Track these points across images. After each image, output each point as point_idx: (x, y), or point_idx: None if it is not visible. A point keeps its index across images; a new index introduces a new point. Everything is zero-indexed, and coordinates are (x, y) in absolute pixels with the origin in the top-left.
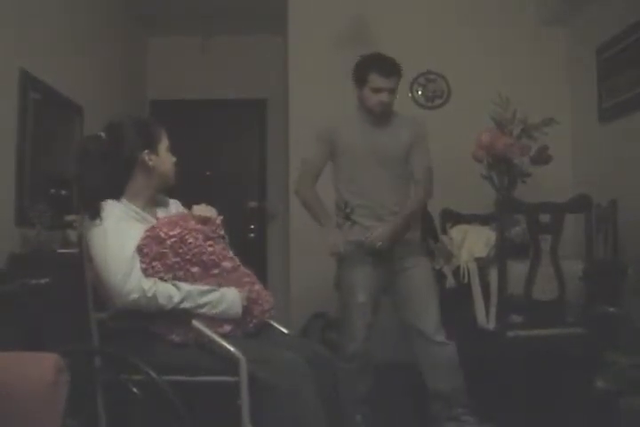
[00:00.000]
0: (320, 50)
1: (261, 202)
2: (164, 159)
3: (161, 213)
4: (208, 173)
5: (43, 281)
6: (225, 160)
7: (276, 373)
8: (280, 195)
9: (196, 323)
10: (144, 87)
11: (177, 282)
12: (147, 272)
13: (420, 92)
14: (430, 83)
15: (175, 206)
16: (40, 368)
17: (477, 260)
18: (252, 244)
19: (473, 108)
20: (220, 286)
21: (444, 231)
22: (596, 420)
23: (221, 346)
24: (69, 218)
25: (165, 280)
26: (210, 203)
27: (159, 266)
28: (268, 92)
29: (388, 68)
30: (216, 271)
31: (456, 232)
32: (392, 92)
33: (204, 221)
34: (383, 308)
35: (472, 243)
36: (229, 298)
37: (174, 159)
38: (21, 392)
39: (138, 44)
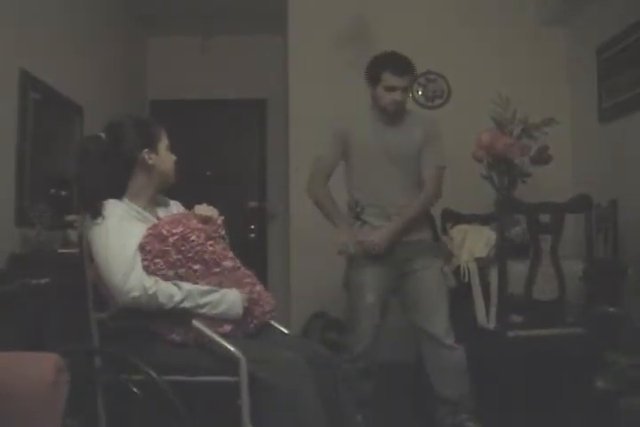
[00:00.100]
0: (320, 50)
1: (261, 202)
2: (164, 158)
3: (162, 212)
4: (208, 173)
5: (43, 281)
6: (225, 160)
7: (276, 373)
8: (280, 195)
9: (196, 323)
10: (144, 87)
11: (178, 282)
12: (149, 269)
13: (420, 92)
14: (430, 83)
15: (176, 207)
16: (40, 368)
17: (477, 260)
18: (252, 244)
19: (473, 108)
20: (221, 284)
21: (445, 231)
22: (596, 420)
23: (221, 346)
24: (70, 218)
25: (168, 277)
26: (210, 203)
27: (161, 263)
28: (267, 92)
29: (402, 66)
30: (217, 270)
31: (456, 232)
32: (405, 90)
33: (206, 220)
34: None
35: (472, 243)
36: (230, 299)
37: (175, 158)
38: (21, 392)
39: (138, 44)
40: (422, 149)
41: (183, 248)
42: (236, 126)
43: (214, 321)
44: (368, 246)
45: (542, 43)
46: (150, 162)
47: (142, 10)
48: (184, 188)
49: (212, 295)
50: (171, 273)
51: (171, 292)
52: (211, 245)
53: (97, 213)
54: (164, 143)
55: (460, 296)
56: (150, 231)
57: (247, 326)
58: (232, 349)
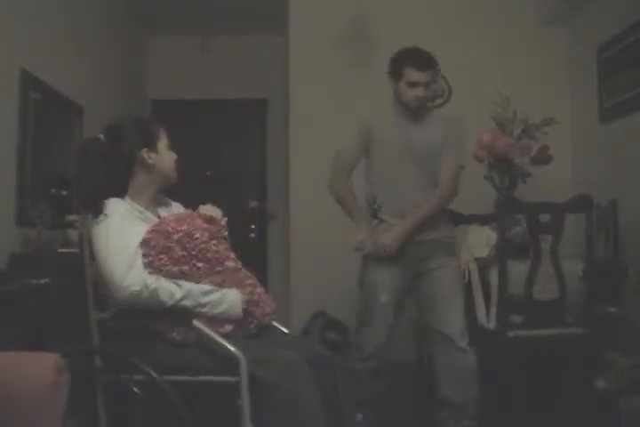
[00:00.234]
0: (320, 50)
1: (262, 202)
2: (163, 157)
3: (163, 212)
4: (208, 173)
5: (43, 281)
6: (225, 160)
7: (276, 373)
8: (280, 195)
9: (196, 323)
10: (144, 87)
11: (178, 281)
12: (153, 265)
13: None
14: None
15: (177, 208)
16: (40, 368)
17: (478, 260)
18: (252, 244)
19: (473, 107)
20: (223, 284)
21: None
22: (597, 420)
23: (222, 346)
24: (70, 218)
25: (172, 273)
26: (212, 203)
27: (165, 259)
28: (268, 92)
29: (425, 61)
30: (220, 269)
31: (457, 232)
32: (428, 86)
33: (210, 220)
34: None
35: (472, 243)
36: (230, 299)
37: (175, 157)
38: (21, 392)
39: (138, 44)
40: (443, 146)
41: (188, 245)
42: (236, 126)
43: (215, 321)
44: (379, 248)
45: (542, 43)
46: (150, 161)
47: (142, 10)
48: (184, 188)
49: (213, 295)
50: (175, 269)
51: (171, 290)
52: (214, 245)
53: (98, 212)
54: (163, 142)
55: None
56: (155, 228)
57: (248, 327)
58: (232, 349)
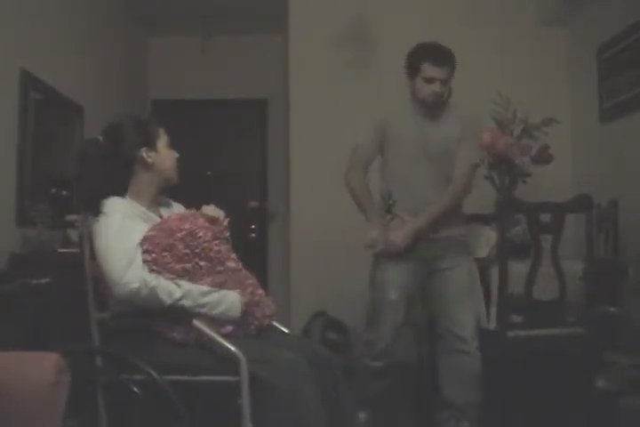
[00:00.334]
0: (320, 50)
1: (262, 202)
2: (163, 156)
3: (165, 212)
4: (209, 173)
5: (43, 281)
6: (225, 160)
7: (276, 373)
8: (281, 195)
9: (196, 322)
10: (145, 87)
11: (178, 281)
12: (157, 262)
13: None
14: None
15: (178, 209)
16: (40, 368)
17: (478, 260)
18: (252, 244)
19: (474, 107)
20: (224, 284)
21: None
22: (597, 420)
23: (222, 346)
24: (70, 218)
25: (174, 271)
26: (213, 204)
27: (169, 256)
28: (268, 92)
29: (441, 57)
30: (221, 269)
31: None
32: (445, 82)
33: (213, 220)
34: None
35: (472, 243)
36: (229, 300)
37: (177, 155)
38: (21, 392)
39: (138, 44)
40: (459, 144)
41: (191, 244)
42: (236, 126)
43: (215, 322)
44: (388, 246)
45: (542, 43)
46: (149, 160)
47: (142, 10)
48: (184, 188)
49: (212, 296)
50: (178, 267)
51: (170, 289)
52: (216, 245)
53: (98, 212)
54: (162, 141)
55: None
56: (158, 226)
57: (248, 328)
58: (232, 348)
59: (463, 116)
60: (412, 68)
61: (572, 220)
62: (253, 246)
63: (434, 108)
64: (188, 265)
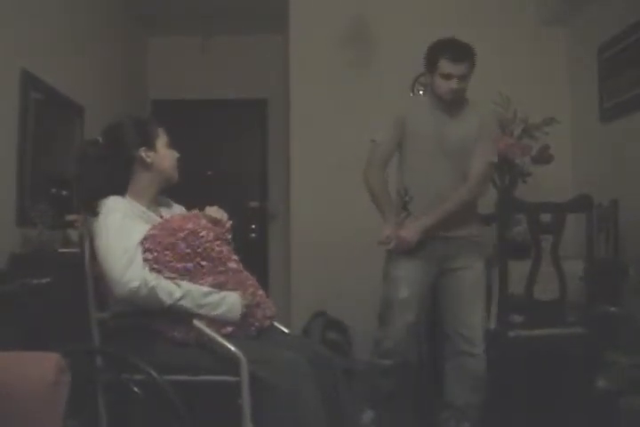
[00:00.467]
0: (321, 50)
1: (262, 202)
2: (163, 156)
3: (165, 212)
4: (209, 173)
5: (44, 281)
6: (226, 160)
7: (276, 373)
8: (281, 195)
9: (197, 322)
10: (145, 87)
11: (178, 281)
12: (158, 260)
13: (421, 92)
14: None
15: (179, 209)
16: (41, 368)
17: None
18: (252, 244)
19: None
20: (226, 283)
21: None
22: (597, 420)
23: (222, 346)
24: (70, 217)
25: (176, 270)
26: (211, 203)
27: (170, 255)
28: (268, 92)
29: (459, 53)
30: (223, 269)
31: None
32: (463, 78)
33: (215, 222)
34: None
35: None
36: (230, 301)
37: (177, 155)
38: (22, 392)
39: (138, 44)
40: (476, 142)
41: (193, 243)
42: (236, 126)
43: (216, 322)
44: (398, 242)
45: (542, 43)
46: (148, 160)
47: (142, 10)
48: (185, 188)
49: (212, 297)
50: (179, 266)
51: (170, 289)
52: (218, 245)
53: (97, 212)
54: (162, 141)
55: None
56: (161, 225)
57: (248, 328)
58: (233, 348)
59: (481, 113)
60: (431, 64)
61: (573, 220)
62: (253, 246)
63: (452, 104)
64: (190, 264)
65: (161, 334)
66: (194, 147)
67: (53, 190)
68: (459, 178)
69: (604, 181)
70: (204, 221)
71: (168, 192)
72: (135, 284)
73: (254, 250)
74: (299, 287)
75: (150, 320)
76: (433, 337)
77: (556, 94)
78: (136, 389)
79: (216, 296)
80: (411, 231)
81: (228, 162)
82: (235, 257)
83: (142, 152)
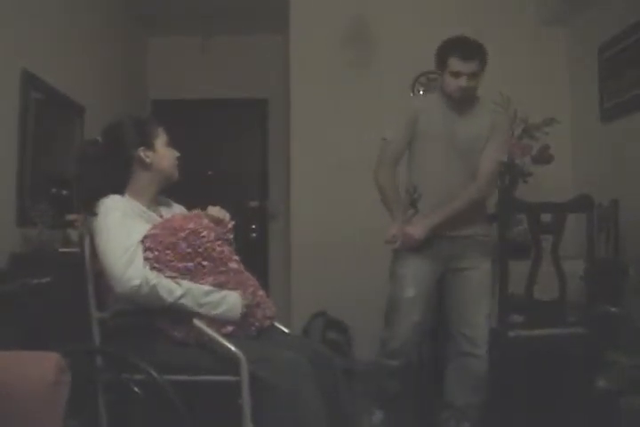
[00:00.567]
0: (321, 50)
1: (262, 202)
2: (162, 155)
3: (165, 212)
4: (209, 173)
5: (44, 281)
6: (226, 160)
7: (276, 372)
8: (281, 195)
9: (197, 322)
10: (145, 87)
11: (179, 280)
12: (159, 259)
13: (421, 92)
14: (431, 82)
15: (179, 209)
16: (41, 368)
17: None
18: (252, 243)
19: None
20: (226, 283)
21: None
22: (597, 420)
23: (222, 345)
24: (70, 217)
25: (176, 269)
26: (211, 203)
27: (172, 254)
28: (268, 92)
29: (468, 51)
30: (224, 269)
31: None
32: (472, 77)
33: (217, 222)
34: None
35: None
36: (230, 301)
37: (177, 154)
38: (22, 392)
39: (138, 44)
40: (486, 141)
41: (194, 243)
42: (236, 126)
43: (216, 321)
44: (404, 240)
45: (542, 43)
46: (147, 160)
47: (142, 10)
48: (185, 188)
49: (213, 296)
50: (180, 265)
51: (171, 287)
52: (219, 245)
53: (95, 212)
54: (161, 140)
55: None
56: (162, 224)
57: (248, 328)
58: (233, 348)
59: (494, 112)
60: (441, 62)
61: (573, 220)
62: (253, 246)
63: (463, 103)
64: (190, 264)
65: (161, 334)
66: (194, 147)
67: (53, 190)
68: (468, 177)
69: (604, 181)
70: (205, 221)
71: (168, 192)
72: (136, 282)
73: (254, 250)
74: (299, 287)
75: (151, 319)
76: (435, 337)
77: (556, 94)
78: (136, 389)
79: (217, 295)
80: (418, 228)
81: (228, 162)
82: (236, 257)
83: (141, 152)
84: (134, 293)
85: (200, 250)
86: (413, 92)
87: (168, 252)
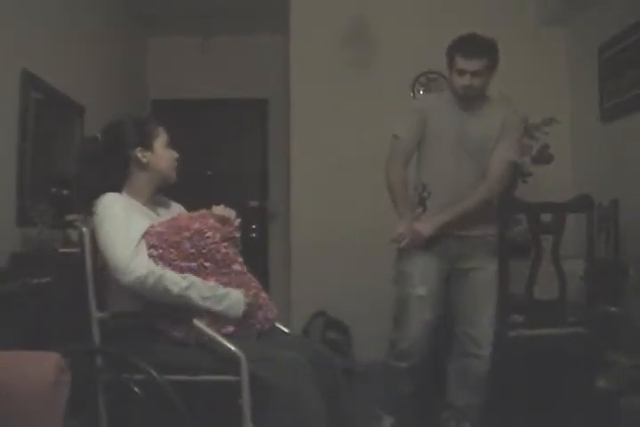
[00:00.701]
0: (321, 50)
1: (262, 202)
2: (160, 156)
3: (162, 212)
4: (209, 173)
5: (44, 280)
6: (226, 160)
7: (277, 372)
8: (281, 195)
9: (197, 322)
10: (145, 87)
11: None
12: (163, 257)
13: (421, 92)
14: (431, 82)
15: (179, 209)
16: (41, 368)
17: None
18: (252, 243)
19: None
20: (228, 284)
21: None
22: (597, 419)
23: (222, 345)
24: (70, 217)
25: (179, 268)
26: (211, 203)
27: (175, 253)
28: (268, 92)
29: (471, 49)
30: (226, 271)
31: None
32: (477, 75)
33: (223, 221)
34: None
35: None
36: (233, 297)
37: (176, 155)
38: (22, 392)
39: (138, 44)
40: (497, 140)
41: (198, 243)
42: (236, 126)
43: (217, 322)
44: (413, 237)
45: (542, 43)
46: (144, 160)
47: (142, 10)
48: (184, 188)
49: (217, 291)
50: (183, 265)
51: (176, 279)
52: (225, 247)
53: (93, 212)
54: (160, 141)
55: None
56: (167, 223)
57: (249, 329)
58: (232, 348)
59: (505, 112)
60: (449, 59)
61: (573, 220)
62: (253, 246)
63: (472, 101)
64: (194, 264)
65: (161, 334)
66: (194, 147)
67: (53, 190)
68: (479, 177)
69: (604, 181)
70: (211, 222)
71: (167, 192)
72: (143, 271)
73: (254, 250)
74: (299, 287)
75: (151, 319)
76: (437, 337)
77: (556, 94)
78: (136, 389)
79: (221, 290)
80: (427, 225)
81: (228, 162)
82: (240, 260)
83: (138, 152)
84: (140, 284)
85: (204, 251)
86: (413, 92)
87: (172, 250)
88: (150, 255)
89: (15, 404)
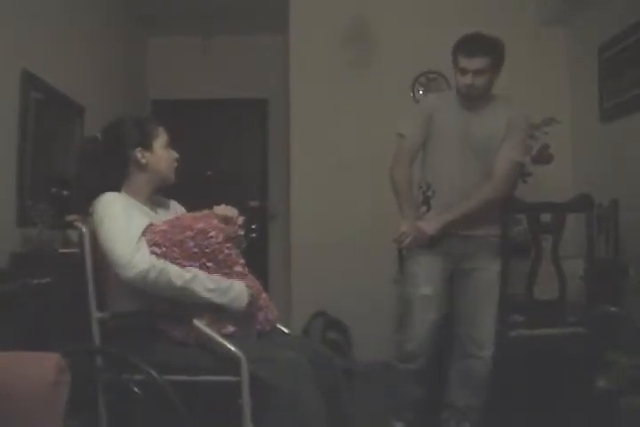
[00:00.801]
0: (321, 50)
1: (262, 202)
2: (159, 156)
3: (161, 212)
4: (209, 173)
5: (44, 281)
6: (226, 160)
7: (277, 373)
8: (281, 195)
9: (196, 322)
10: (145, 87)
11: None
12: (166, 255)
13: (421, 92)
14: (431, 82)
15: (177, 208)
16: (41, 368)
17: None
18: (252, 243)
19: None
20: None
21: None
22: (597, 419)
23: (222, 345)
24: (69, 218)
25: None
26: (211, 203)
27: (178, 252)
28: (268, 92)
29: (473, 48)
30: (227, 271)
31: None
32: (479, 74)
33: (227, 220)
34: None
35: None
36: (237, 289)
37: (176, 155)
38: (22, 392)
39: (138, 44)
40: (503, 140)
41: (201, 243)
42: (236, 126)
43: (217, 322)
44: (416, 236)
45: (542, 43)
46: (143, 161)
47: (142, 10)
48: (184, 188)
49: (220, 283)
50: (185, 264)
51: (179, 272)
52: (227, 248)
53: (91, 212)
54: (160, 141)
55: None
56: (171, 222)
57: (250, 329)
58: (232, 348)
59: (511, 111)
60: (453, 58)
61: (573, 219)
62: (253, 246)
63: (476, 101)
64: (196, 264)
65: (161, 334)
66: (194, 147)
67: (53, 190)
68: (484, 176)
69: (604, 181)
70: (215, 222)
71: (166, 191)
72: (144, 266)
73: (254, 250)
74: (299, 287)
75: (151, 320)
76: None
77: (556, 94)
78: (136, 389)
79: (225, 283)
80: (431, 224)
81: (228, 162)
82: (242, 261)
83: (138, 153)
84: (142, 278)
85: (207, 250)
86: (413, 92)
87: (175, 249)
88: (153, 252)
89: (15, 404)
